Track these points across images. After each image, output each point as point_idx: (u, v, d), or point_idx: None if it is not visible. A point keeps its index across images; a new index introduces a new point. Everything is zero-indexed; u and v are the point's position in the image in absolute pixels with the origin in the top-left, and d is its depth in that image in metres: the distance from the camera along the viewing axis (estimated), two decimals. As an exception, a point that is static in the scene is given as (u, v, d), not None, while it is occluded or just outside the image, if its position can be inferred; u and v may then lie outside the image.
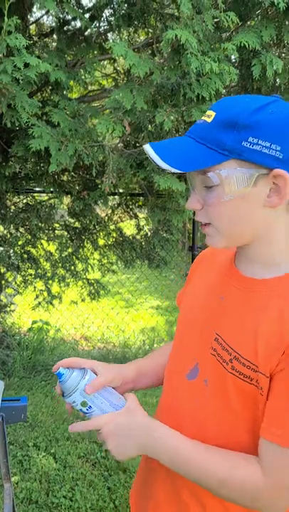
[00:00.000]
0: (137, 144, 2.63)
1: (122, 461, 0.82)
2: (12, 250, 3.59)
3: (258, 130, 0.69)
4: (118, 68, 3.22)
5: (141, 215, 3.84)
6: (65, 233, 3.76)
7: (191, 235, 4.10)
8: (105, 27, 2.77)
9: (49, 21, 3.17)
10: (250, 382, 0.74)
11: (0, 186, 2.94)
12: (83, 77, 2.58)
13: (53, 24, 2.88)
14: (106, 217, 3.69)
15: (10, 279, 3.82)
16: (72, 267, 3.80)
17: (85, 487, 2.28)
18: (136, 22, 2.60)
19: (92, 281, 3.92)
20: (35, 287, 3.84)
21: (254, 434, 0.76)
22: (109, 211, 3.69)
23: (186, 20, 2.05)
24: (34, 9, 2.67)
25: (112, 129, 2.15)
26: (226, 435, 0.78)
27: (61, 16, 2.56)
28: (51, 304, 3.88)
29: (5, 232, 3.55)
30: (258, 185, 0.72)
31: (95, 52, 2.72)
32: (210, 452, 0.77)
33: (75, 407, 0.84)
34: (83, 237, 3.73)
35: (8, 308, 3.93)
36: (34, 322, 4.33)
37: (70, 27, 2.67)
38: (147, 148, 0.75)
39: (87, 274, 3.89)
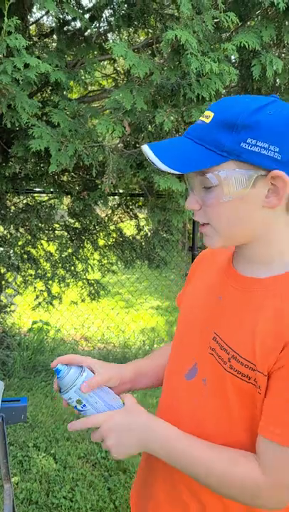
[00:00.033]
0: (137, 145, 2.62)
1: (121, 459, 0.82)
2: (12, 251, 3.59)
3: (257, 131, 0.69)
4: (118, 68, 3.22)
5: (141, 216, 3.84)
6: (65, 233, 3.76)
7: (191, 235, 4.10)
8: (105, 27, 2.77)
9: (49, 22, 3.17)
10: (248, 381, 0.74)
11: (0, 187, 2.94)
12: (83, 77, 2.58)
13: (53, 24, 2.88)
14: (106, 218, 3.69)
15: (10, 280, 3.82)
16: (72, 268, 3.80)
17: (85, 487, 2.28)
18: (136, 22, 2.60)
19: (92, 281, 3.92)
20: (35, 288, 3.84)
21: (252, 433, 0.76)
22: (109, 211, 3.69)
23: (186, 20, 2.05)
24: (34, 10, 2.67)
25: (112, 129, 2.15)
26: (224, 434, 0.78)
27: (61, 16, 2.56)
28: (51, 304, 3.88)
29: (5, 232, 3.55)
30: (256, 186, 0.72)
31: (95, 52, 2.72)
32: (210, 449, 0.78)
33: (71, 403, 0.85)
34: (83, 237, 3.73)
35: (8, 309, 3.93)
36: (34, 322, 4.33)
37: (70, 27, 2.67)
38: (145, 149, 0.75)
39: (87, 274, 3.89)
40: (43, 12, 2.80)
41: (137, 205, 3.76)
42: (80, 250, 3.76)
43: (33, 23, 3.02)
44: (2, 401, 1.09)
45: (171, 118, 2.19)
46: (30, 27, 2.95)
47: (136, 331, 4.81)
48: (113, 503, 2.19)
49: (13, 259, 3.63)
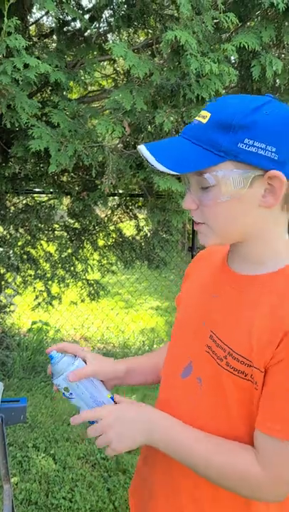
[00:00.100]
0: (137, 145, 2.62)
1: (120, 453, 0.82)
2: (12, 251, 3.59)
3: (254, 131, 0.70)
4: (118, 69, 3.22)
5: (140, 216, 3.84)
6: (65, 234, 3.76)
7: (190, 236, 4.11)
8: (105, 28, 2.77)
9: (49, 22, 3.17)
10: (244, 377, 0.75)
11: (0, 187, 2.94)
12: (83, 77, 2.58)
13: (53, 25, 2.88)
14: (106, 218, 3.69)
15: (9, 280, 3.82)
16: (72, 268, 3.80)
17: (85, 488, 2.28)
18: (135, 23, 2.60)
19: (92, 281, 3.92)
20: (34, 288, 3.84)
21: (250, 428, 0.76)
22: (109, 212, 3.68)
23: (186, 21, 2.05)
24: (34, 10, 2.68)
25: (111, 129, 2.15)
26: (222, 431, 0.79)
27: (61, 16, 2.56)
28: (51, 304, 3.88)
29: (4, 232, 3.55)
30: (253, 186, 0.73)
31: (95, 53, 2.71)
32: (210, 441, 0.78)
33: (60, 389, 0.88)
34: (83, 237, 3.73)
35: (7, 309, 3.93)
36: (34, 323, 4.33)
37: (69, 28, 2.67)
38: (142, 149, 0.75)
39: (86, 274, 3.89)
40: (43, 12, 2.80)
41: (136, 205, 3.76)
42: (80, 250, 3.76)
43: (32, 23, 3.02)
44: (1, 401, 1.09)
45: (171, 118, 2.19)
46: (30, 27, 2.95)
47: (135, 332, 4.80)
48: (112, 503, 2.18)
49: (13, 259, 3.63)
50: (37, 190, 3.45)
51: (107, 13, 2.67)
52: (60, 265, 3.77)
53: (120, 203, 3.73)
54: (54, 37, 2.87)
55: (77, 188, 3.23)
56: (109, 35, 2.94)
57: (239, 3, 2.36)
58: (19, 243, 3.62)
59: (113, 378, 0.95)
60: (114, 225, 3.80)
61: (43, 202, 3.62)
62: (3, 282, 3.69)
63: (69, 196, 3.30)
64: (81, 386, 0.87)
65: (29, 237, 3.65)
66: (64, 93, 2.52)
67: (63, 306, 4.28)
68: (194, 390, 0.82)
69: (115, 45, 2.00)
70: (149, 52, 2.56)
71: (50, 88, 2.69)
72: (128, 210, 3.78)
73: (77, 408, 0.89)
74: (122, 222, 3.83)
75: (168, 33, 1.93)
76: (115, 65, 3.21)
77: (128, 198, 3.65)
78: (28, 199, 3.60)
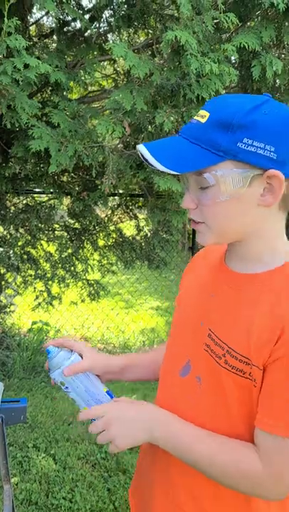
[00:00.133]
0: (137, 145, 2.62)
1: (123, 450, 0.83)
2: (12, 251, 3.59)
3: (253, 131, 0.70)
4: (118, 69, 3.22)
5: (141, 216, 3.85)
6: (65, 234, 3.76)
7: (190, 236, 4.11)
8: (105, 28, 2.77)
9: (49, 22, 3.17)
10: (242, 375, 0.75)
11: (0, 187, 2.94)
12: (83, 78, 2.58)
13: (53, 25, 2.88)
14: (106, 218, 3.69)
15: (10, 280, 3.82)
16: (72, 268, 3.80)
17: (85, 488, 2.28)
18: (136, 23, 2.60)
19: (92, 281, 3.92)
20: (35, 288, 3.84)
21: (250, 426, 0.77)
22: (109, 212, 3.68)
23: (186, 21, 2.05)
24: (34, 10, 2.68)
25: (111, 129, 2.15)
26: (222, 430, 0.79)
27: (61, 16, 2.56)
28: (51, 304, 3.88)
29: (5, 232, 3.55)
30: (252, 185, 0.73)
31: (95, 53, 2.71)
32: (213, 440, 0.78)
33: (56, 383, 0.90)
34: (83, 237, 3.73)
35: (8, 309, 3.93)
36: (34, 323, 4.33)
37: (70, 28, 2.67)
38: (141, 148, 0.75)
39: (87, 274, 3.89)
40: (43, 13, 2.80)
41: (136, 205, 3.76)
42: (80, 251, 3.76)
43: (33, 23, 3.02)
44: (2, 402, 1.09)
45: (171, 118, 2.19)
46: (30, 27, 2.95)
47: (136, 332, 4.80)
48: (113, 503, 2.18)
49: (13, 259, 3.63)
50: (37, 190, 3.45)
51: (107, 13, 2.67)
52: (60, 265, 3.77)
53: (120, 203, 3.73)
54: (54, 37, 2.87)
55: (77, 188, 3.23)
56: (109, 36, 2.94)
57: (239, 3, 2.35)
58: (19, 243, 3.63)
59: (108, 373, 0.96)
60: (115, 225, 3.80)
61: (43, 202, 3.62)
62: (3, 282, 3.69)
63: (69, 196, 3.30)
64: (76, 380, 0.88)
65: (29, 237, 3.66)
66: (64, 93, 2.52)
67: (63, 306, 4.28)
68: (193, 389, 0.83)
69: (115, 45, 2.00)
70: (150, 53, 2.56)
71: (50, 88, 2.70)
72: (128, 210, 3.78)
73: (73, 401, 0.91)
74: (122, 222, 3.83)
75: (168, 33, 1.93)
76: (115, 65, 3.21)
77: (128, 198, 3.65)
78: (28, 199, 3.60)
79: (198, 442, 0.79)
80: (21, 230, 3.61)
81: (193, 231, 3.71)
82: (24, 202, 3.61)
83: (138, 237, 3.88)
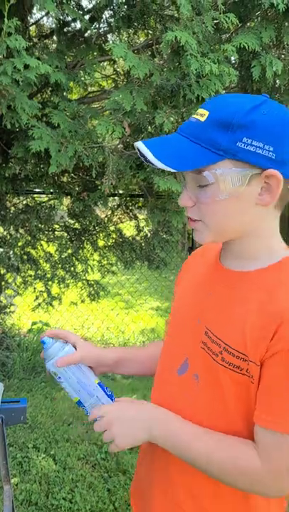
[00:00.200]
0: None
1: (123, 449, 0.83)
2: (12, 251, 3.59)
3: (253, 131, 0.71)
4: (118, 69, 3.22)
5: (140, 216, 3.85)
6: (65, 234, 3.76)
7: (190, 236, 4.10)
8: (105, 28, 2.77)
9: (49, 23, 3.17)
10: (240, 371, 0.75)
11: (0, 187, 2.94)
12: (83, 78, 2.58)
13: (53, 25, 2.87)
14: (106, 219, 3.69)
15: (10, 280, 3.82)
16: (72, 268, 3.80)
17: (85, 489, 2.28)
18: (136, 23, 2.60)
19: (92, 282, 3.92)
20: (35, 288, 3.84)
21: (249, 423, 0.77)
22: (109, 212, 3.68)
23: (186, 21, 2.05)
24: (34, 11, 2.68)
25: (111, 130, 2.15)
26: (219, 427, 0.79)
27: (61, 17, 2.56)
28: (51, 305, 3.88)
29: (5, 233, 3.55)
30: (251, 184, 0.74)
31: (95, 53, 2.71)
32: (211, 438, 0.79)
33: (50, 373, 0.93)
34: (83, 238, 3.73)
35: (7, 310, 3.93)
36: (34, 323, 4.32)
37: (70, 28, 2.67)
38: (140, 145, 0.75)
39: (86, 275, 3.89)
40: (43, 13, 2.80)
41: (136, 205, 3.76)
42: (80, 251, 3.76)
43: (33, 24, 3.02)
44: (2, 402, 1.09)
45: (171, 119, 2.19)
46: (30, 28, 2.95)
47: (136, 332, 4.80)
48: (113, 504, 2.18)
49: (13, 259, 3.62)
50: (37, 190, 3.45)
51: (107, 13, 2.67)
52: (60, 266, 3.77)
53: (120, 204, 3.73)
54: (54, 37, 2.87)
55: (77, 189, 3.23)
56: (109, 36, 2.94)
57: (239, 3, 2.36)
58: (19, 244, 3.62)
59: (101, 365, 0.97)
60: (115, 225, 3.80)
61: (43, 202, 3.62)
62: (3, 283, 3.69)
63: (69, 197, 3.30)
64: (68, 371, 0.91)
65: (29, 238, 3.65)
66: (64, 94, 2.52)
67: (63, 306, 4.28)
68: (191, 387, 0.83)
69: (115, 45, 2.00)
70: (149, 53, 2.56)
71: (50, 89, 2.69)
72: (128, 211, 3.78)
73: (66, 392, 0.93)
74: (122, 222, 3.83)
75: (168, 34, 1.93)
76: (115, 66, 3.21)
77: (128, 198, 3.65)
78: (28, 199, 3.60)
79: (196, 440, 0.79)
80: (21, 231, 3.61)
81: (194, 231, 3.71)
82: (24, 202, 3.61)
83: (138, 238, 3.88)
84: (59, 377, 0.92)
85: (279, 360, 0.72)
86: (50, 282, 3.81)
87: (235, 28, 2.35)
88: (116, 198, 3.63)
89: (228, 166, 0.73)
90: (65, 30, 2.66)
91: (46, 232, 3.71)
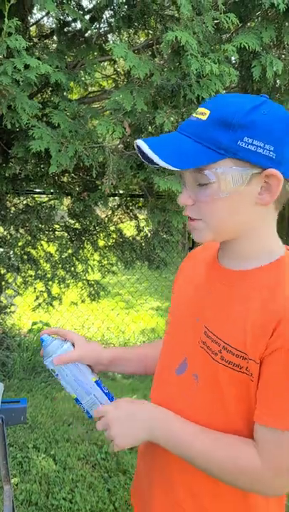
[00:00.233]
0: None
1: (124, 449, 0.83)
2: (12, 251, 3.59)
3: (253, 130, 0.71)
4: (118, 69, 3.22)
5: (141, 216, 3.84)
6: (65, 234, 3.76)
7: (190, 236, 4.09)
8: (105, 28, 2.77)
9: (49, 23, 3.17)
10: (239, 370, 0.76)
11: (0, 187, 2.94)
12: (83, 78, 2.58)
13: (53, 25, 2.87)
14: (106, 219, 3.69)
15: (10, 280, 3.82)
16: (72, 268, 3.80)
17: (85, 489, 2.28)
18: (136, 23, 2.60)
19: (92, 282, 3.92)
20: (35, 288, 3.84)
21: (249, 422, 0.77)
22: (110, 212, 3.68)
23: (186, 21, 2.05)
24: (34, 11, 2.68)
25: (112, 130, 2.15)
26: (219, 427, 0.79)
27: (61, 17, 2.56)
28: (51, 305, 3.88)
29: (5, 233, 3.55)
30: (251, 183, 0.74)
31: (95, 53, 2.71)
32: (210, 437, 0.79)
33: (49, 369, 0.95)
34: (83, 238, 3.73)
35: (8, 310, 3.93)
36: (34, 323, 4.32)
37: (70, 28, 2.67)
38: (140, 144, 0.75)
39: (87, 275, 3.89)
40: (44, 13, 2.80)
41: (137, 205, 3.76)
42: (80, 251, 3.76)
43: (33, 24, 3.02)
44: (2, 402, 1.09)
45: (172, 119, 2.19)
46: (31, 28, 2.95)
47: (136, 332, 4.80)
48: (113, 504, 2.18)
49: (13, 260, 3.62)
50: (37, 190, 3.44)
51: (107, 13, 2.67)
52: (60, 266, 3.77)
53: (121, 204, 3.73)
54: (54, 37, 2.86)
55: (77, 189, 3.23)
56: (109, 36, 2.94)
57: (239, 3, 2.35)
58: (19, 244, 3.62)
59: (99, 364, 0.98)
60: (115, 225, 3.80)
61: (44, 202, 3.62)
62: (3, 283, 3.69)
63: (69, 197, 3.30)
64: (66, 369, 0.93)
65: (29, 238, 3.65)
66: (64, 94, 2.52)
67: (64, 306, 4.28)
68: (190, 387, 0.83)
69: (116, 45, 2.00)
70: (150, 53, 2.56)
71: (50, 89, 2.69)
72: (128, 211, 3.78)
73: (64, 388, 0.94)
74: (122, 222, 3.83)
75: (168, 34, 1.93)
76: (116, 66, 3.21)
77: (128, 198, 3.65)
78: (28, 199, 3.60)
79: (195, 439, 0.79)
80: (21, 231, 3.60)
81: (193, 231, 3.70)
82: (24, 202, 3.61)
83: (138, 238, 3.88)
84: (57, 375, 0.94)
85: (278, 357, 0.72)
86: (50, 282, 3.81)
87: (235, 28, 2.35)
88: (116, 198, 3.63)
89: (228, 164, 0.73)
90: (65, 30, 2.66)
91: (46, 232, 3.71)
